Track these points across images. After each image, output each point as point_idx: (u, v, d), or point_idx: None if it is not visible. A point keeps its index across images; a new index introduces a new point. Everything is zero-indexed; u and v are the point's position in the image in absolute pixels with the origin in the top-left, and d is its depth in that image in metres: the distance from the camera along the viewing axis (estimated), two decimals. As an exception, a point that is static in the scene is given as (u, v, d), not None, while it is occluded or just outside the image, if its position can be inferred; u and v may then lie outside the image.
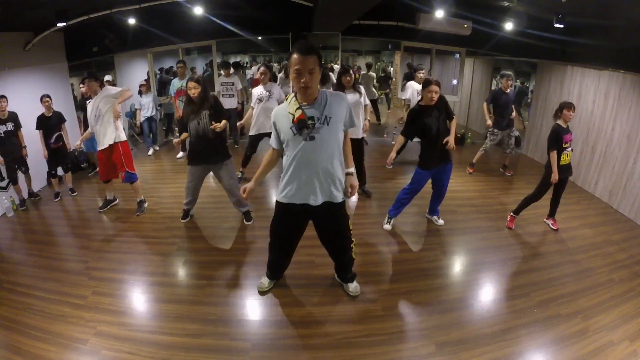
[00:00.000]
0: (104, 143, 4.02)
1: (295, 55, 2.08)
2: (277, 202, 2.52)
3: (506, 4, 4.73)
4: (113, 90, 4.05)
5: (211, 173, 3.92)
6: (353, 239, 2.70)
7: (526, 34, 5.35)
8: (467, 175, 5.50)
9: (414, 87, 5.71)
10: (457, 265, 3.40)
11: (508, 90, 5.15)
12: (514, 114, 5.28)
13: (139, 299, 2.86)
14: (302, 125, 2.21)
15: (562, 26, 4.30)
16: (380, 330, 2.53)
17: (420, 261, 3.37)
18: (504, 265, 3.31)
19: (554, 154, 3.57)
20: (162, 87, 7.45)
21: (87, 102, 5.34)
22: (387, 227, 3.86)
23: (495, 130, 5.29)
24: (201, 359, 2.32)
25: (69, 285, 3.02)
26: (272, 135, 2.41)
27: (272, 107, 4.55)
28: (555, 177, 3.57)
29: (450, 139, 3.48)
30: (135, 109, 7.59)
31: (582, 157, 5.12)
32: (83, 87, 5.41)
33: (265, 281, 2.90)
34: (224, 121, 3.56)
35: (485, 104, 5.29)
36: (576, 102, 5.27)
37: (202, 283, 3.05)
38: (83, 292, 2.92)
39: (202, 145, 3.57)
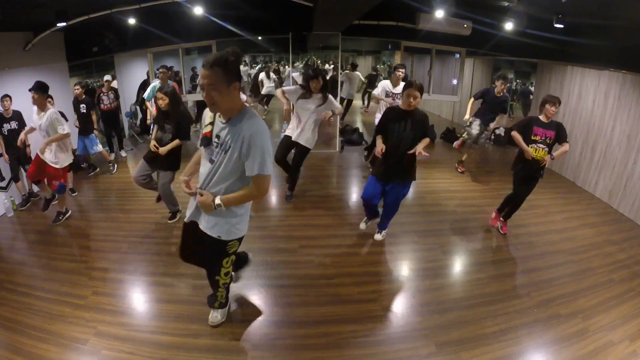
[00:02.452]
0: (44, 155, 3.83)
1: (201, 68, 1.86)
2: None
3: (506, 4, 4.72)
4: (56, 120, 3.79)
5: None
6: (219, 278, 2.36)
7: (526, 34, 5.34)
8: (466, 175, 5.50)
9: (384, 86, 5.22)
10: (457, 265, 3.40)
11: (500, 95, 5.05)
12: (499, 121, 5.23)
13: (139, 299, 2.86)
14: (205, 143, 2.05)
15: (562, 26, 4.30)
16: (380, 330, 2.53)
17: (420, 261, 3.37)
18: (504, 265, 3.31)
19: (515, 134, 3.51)
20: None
21: (81, 105, 5.36)
22: (362, 225, 3.72)
23: (474, 119, 5.17)
24: (201, 359, 2.32)
25: (69, 285, 3.02)
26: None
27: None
28: (527, 153, 3.42)
29: (417, 148, 3.04)
30: (136, 108, 7.60)
31: (582, 157, 5.12)
32: (77, 89, 5.39)
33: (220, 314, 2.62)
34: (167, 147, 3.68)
35: (472, 100, 5.22)
36: (576, 102, 5.28)
37: (202, 283, 3.03)
38: (83, 292, 2.91)
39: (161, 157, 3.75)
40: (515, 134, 3.53)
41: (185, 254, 2.42)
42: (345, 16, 5.79)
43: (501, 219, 3.84)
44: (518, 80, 8.10)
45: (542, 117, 3.50)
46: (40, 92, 3.76)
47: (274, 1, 6.81)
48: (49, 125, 3.76)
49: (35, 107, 3.85)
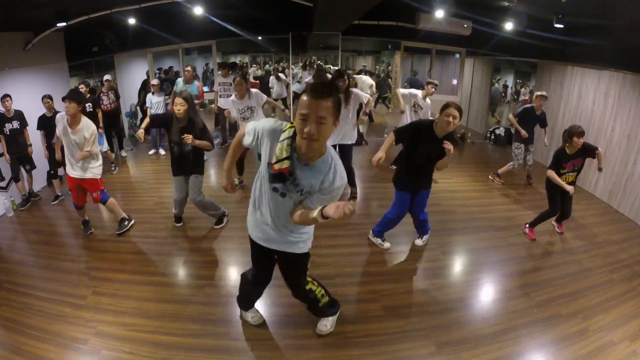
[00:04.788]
0: (72, 173, 3.56)
1: (304, 97, 1.59)
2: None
3: (506, 4, 4.73)
4: (87, 129, 3.47)
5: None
6: (310, 281, 2.34)
7: (526, 34, 5.35)
8: (467, 175, 5.50)
9: (415, 94, 5.08)
10: (457, 265, 3.40)
11: (539, 112, 4.84)
12: (545, 138, 5.00)
13: (139, 299, 2.86)
14: (278, 180, 1.76)
15: (562, 26, 4.30)
16: (380, 330, 2.53)
17: (420, 261, 3.37)
18: (504, 265, 3.31)
19: (551, 173, 3.50)
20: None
21: (87, 104, 5.35)
22: (387, 244, 3.51)
23: (517, 144, 4.98)
24: (201, 359, 2.32)
25: (69, 285, 3.02)
26: (251, 137, 1.84)
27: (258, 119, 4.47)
28: (569, 189, 3.46)
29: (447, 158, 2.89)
30: (136, 108, 7.60)
31: (582, 157, 5.12)
32: (82, 88, 5.40)
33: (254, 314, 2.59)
34: (194, 139, 3.42)
35: (512, 117, 4.95)
36: (576, 102, 5.28)
37: (202, 283, 3.05)
38: (83, 292, 2.91)
39: (183, 161, 3.58)
40: (553, 175, 3.50)
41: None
42: (345, 16, 5.80)
43: (554, 223, 3.93)
44: (519, 81, 8.12)
45: (567, 150, 3.46)
46: (75, 100, 3.33)
47: (274, 1, 6.82)
48: (82, 137, 3.42)
49: (62, 119, 3.47)
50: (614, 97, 4.60)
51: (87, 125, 3.47)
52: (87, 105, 5.34)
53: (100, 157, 3.68)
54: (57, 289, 2.97)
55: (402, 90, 5.21)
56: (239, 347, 2.41)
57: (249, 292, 2.51)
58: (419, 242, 3.58)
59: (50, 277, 3.15)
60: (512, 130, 5.73)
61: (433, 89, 5.00)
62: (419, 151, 3.00)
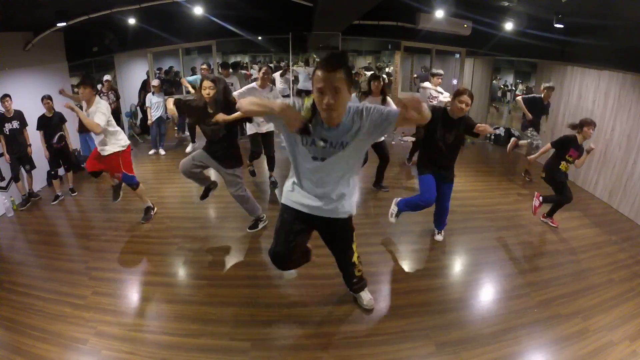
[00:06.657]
0: (106, 150, 3.75)
1: (318, 72, 1.77)
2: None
3: (506, 4, 4.73)
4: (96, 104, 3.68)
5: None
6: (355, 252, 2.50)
7: (526, 34, 5.35)
8: (467, 175, 5.49)
9: (429, 88, 5.46)
10: (457, 265, 3.40)
11: (546, 103, 5.07)
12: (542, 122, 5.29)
13: (139, 299, 2.86)
14: (304, 132, 1.93)
15: (562, 26, 4.31)
16: (380, 330, 2.53)
17: (420, 261, 3.37)
18: (504, 265, 3.31)
19: (548, 148, 3.82)
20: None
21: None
22: (393, 220, 3.49)
23: (530, 130, 5.20)
24: (201, 359, 2.32)
25: (69, 285, 3.02)
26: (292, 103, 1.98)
27: None
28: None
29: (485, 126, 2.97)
30: (136, 108, 7.60)
31: (582, 157, 5.12)
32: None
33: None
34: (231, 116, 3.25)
35: (520, 100, 5.17)
36: (576, 102, 5.29)
37: (202, 283, 3.05)
38: (83, 292, 2.92)
39: (217, 147, 3.42)
40: (548, 147, 3.91)
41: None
42: (345, 16, 5.81)
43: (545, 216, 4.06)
44: (519, 81, 8.13)
45: (579, 138, 3.72)
46: (89, 85, 3.58)
47: (274, 1, 6.82)
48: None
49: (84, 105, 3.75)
50: (614, 97, 4.60)
51: (97, 102, 3.68)
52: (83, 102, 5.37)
53: (117, 132, 3.82)
54: (57, 289, 2.97)
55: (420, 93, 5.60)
56: (239, 347, 2.40)
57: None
58: (439, 237, 3.63)
59: (50, 277, 3.15)
60: (511, 131, 5.81)
61: (439, 80, 5.37)
62: (438, 134, 3.17)
